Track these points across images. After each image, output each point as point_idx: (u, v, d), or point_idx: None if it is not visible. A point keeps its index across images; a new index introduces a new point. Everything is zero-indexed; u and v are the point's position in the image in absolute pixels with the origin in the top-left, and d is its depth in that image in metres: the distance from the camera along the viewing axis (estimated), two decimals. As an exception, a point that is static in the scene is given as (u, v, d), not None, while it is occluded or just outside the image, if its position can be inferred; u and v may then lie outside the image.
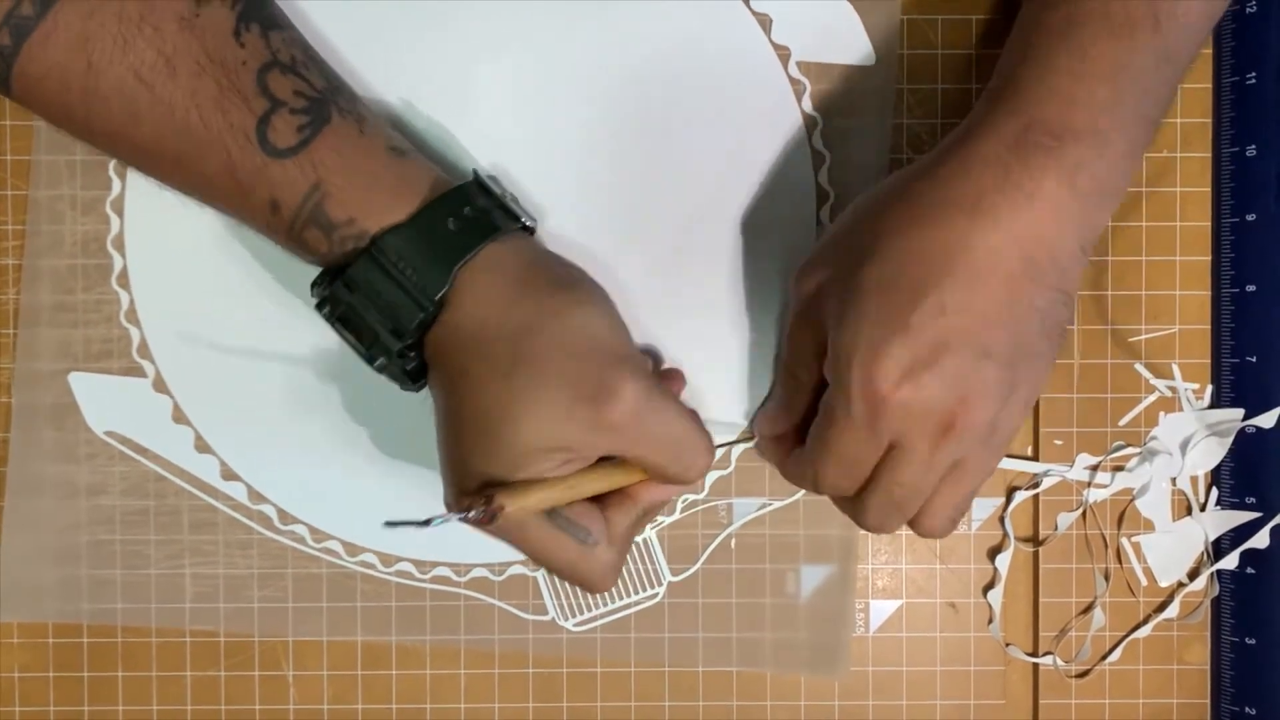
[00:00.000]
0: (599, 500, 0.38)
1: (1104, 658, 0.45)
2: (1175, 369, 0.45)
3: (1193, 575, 0.45)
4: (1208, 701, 0.45)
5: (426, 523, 0.34)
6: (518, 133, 0.43)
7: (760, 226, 0.44)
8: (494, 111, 0.43)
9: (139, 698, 0.45)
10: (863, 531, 0.45)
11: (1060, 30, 0.36)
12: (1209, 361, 0.45)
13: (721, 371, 0.44)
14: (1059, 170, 0.34)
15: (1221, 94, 0.45)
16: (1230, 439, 0.44)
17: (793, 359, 0.40)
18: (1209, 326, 0.45)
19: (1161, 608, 0.45)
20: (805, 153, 0.44)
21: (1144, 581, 0.45)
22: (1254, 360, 0.44)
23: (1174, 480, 0.45)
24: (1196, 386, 0.45)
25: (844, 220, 0.39)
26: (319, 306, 0.38)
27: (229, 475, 0.44)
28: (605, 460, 0.37)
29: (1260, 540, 0.44)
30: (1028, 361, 0.35)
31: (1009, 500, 0.45)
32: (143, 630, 0.45)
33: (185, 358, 0.44)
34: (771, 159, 0.44)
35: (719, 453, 0.44)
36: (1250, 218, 0.44)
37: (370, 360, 0.38)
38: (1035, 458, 0.45)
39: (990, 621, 0.45)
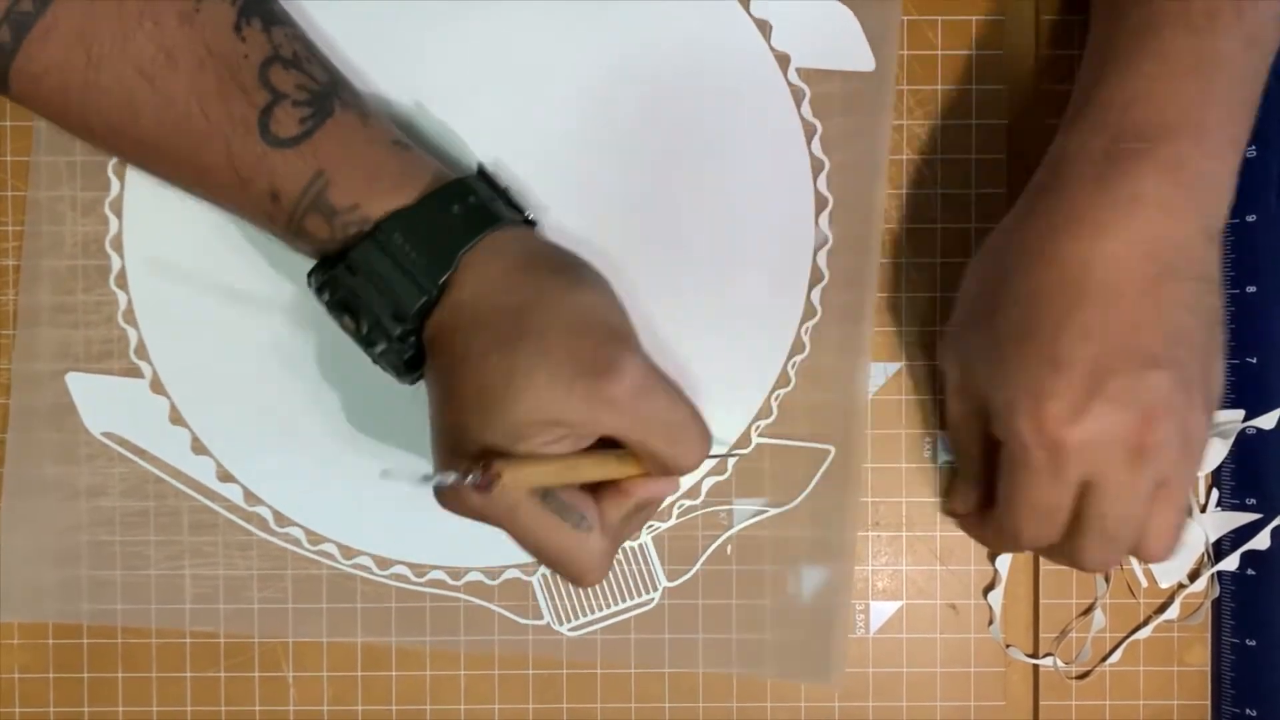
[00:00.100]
0: (592, 492, 0.37)
1: (1104, 659, 0.45)
2: (1176, 370, 0.45)
3: (1193, 577, 0.45)
4: (1208, 703, 0.45)
5: (426, 480, 0.34)
6: (517, 135, 0.43)
7: (758, 233, 0.44)
8: (494, 115, 0.43)
9: (139, 698, 0.45)
10: (862, 532, 0.45)
11: (1137, 35, 0.35)
12: (1210, 362, 0.45)
13: (718, 380, 0.44)
14: (1157, 170, 0.34)
15: (1222, 94, 0.44)
16: (1231, 440, 0.44)
17: (963, 435, 0.39)
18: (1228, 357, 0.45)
19: (1162, 609, 0.45)
20: (804, 159, 0.44)
21: (1144, 583, 0.45)
22: (1254, 361, 0.44)
23: (1174, 481, 0.45)
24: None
25: (966, 286, 0.38)
26: (319, 292, 0.38)
27: (225, 477, 0.44)
28: (603, 447, 0.36)
29: (1261, 542, 0.44)
30: (1195, 357, 0.34)
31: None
32: (143, 631, 0.45)
33: (182, 359, 0.44)
34: (770, 165, 0.44)
35: (712, 463, 0.44)
36: (1250, 219, 0.43)
37: (369, 345, 0.37)
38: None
39: (991, 623, 0.45)
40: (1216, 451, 0.44)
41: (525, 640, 0.45)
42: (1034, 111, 0.44)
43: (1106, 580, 0.45)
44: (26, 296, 0.44)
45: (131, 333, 0.44)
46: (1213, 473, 0.45)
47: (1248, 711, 0.44)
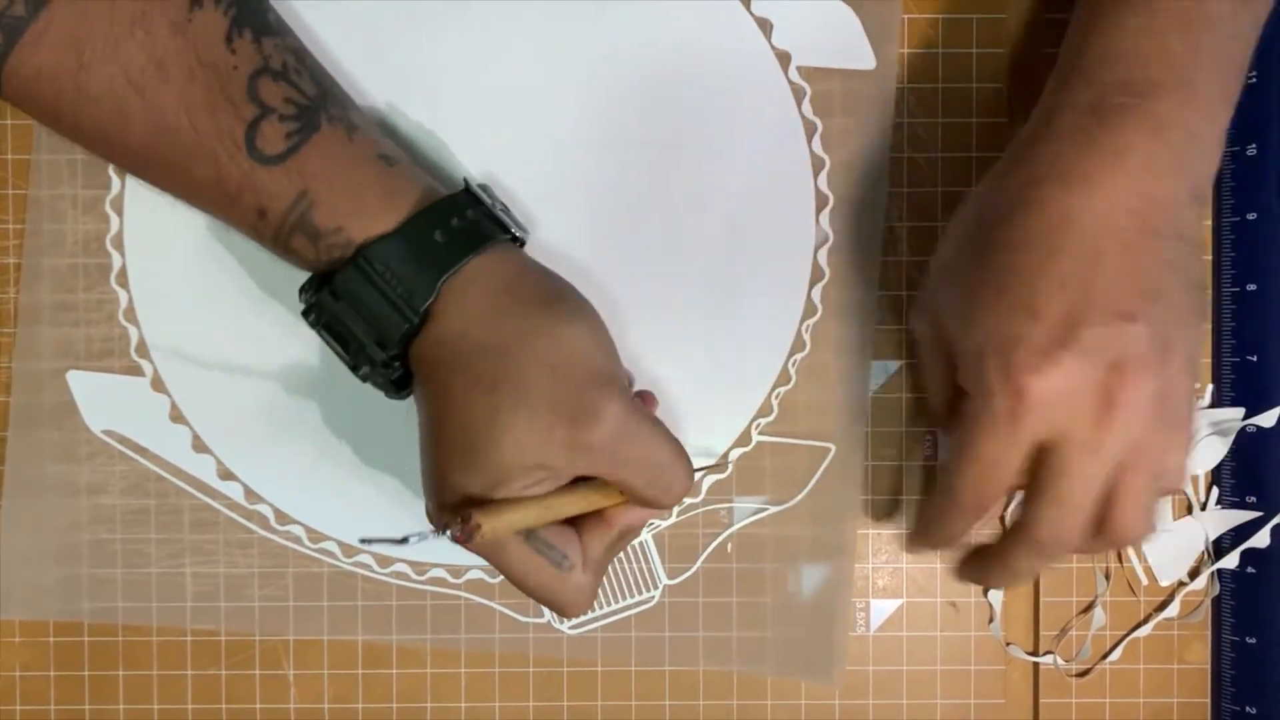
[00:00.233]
0: (575, 523, 0.37)
1: (1104, 657, 0.45)
2: (1176, 368, 0.45)
3: (1193, 574, 0.45)
4: (1208, 701, 0.45)
5: (404, 541, 0.33)
6: (514, 139, 0.43)
7: (759, 231, 0.44)
8: (490, 118, 0.43)
9: (140, 696, 0.45)
10: (862, 530, 0.45)
11: None
12: (1209, 360, 0.45)
13: (718, 378, 0.44)
14: (1144, 125, 0.33)
15: (1222, 92, 0.44)
16: (1231, 438, 0.44)
17: (934, 395, 0.39)
18: (1209, 325, 0.45)
19: (1162, 607, 0.45)
20: (805, 157, 0.44)
21: (1144, 581, 0.45)
22: (1254, 359, 0.44)
23: (1175, 479, 0.45)
24: (1197, 386, 0.45)
25: (943, 245, 0.38)
26: (305, 314, 0.38)
27: (226, 475, 0.44)
28: (583, 480, 0.37)
29: (1261, 539, 0.44)
30: (1174, 317, 0.33)
31: (1009, 499, 0.45)
32: (144, 629, 0.45)
33: (183, 357, 0.44)
34: (771, 164, 0.44)
35: (698, 475, 0.44)
36: (1251, 217, 0.43)
37: (355, 369, 0.38)
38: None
39: (991, 621, 0.45)
40: (1216, 449, 0.45)
41: (526, 638, 0.45)
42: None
43: (1107, 578, 0.45)
44: (27, 295, 0.44)
45: (132, 331, 0.44)
46: (1213, 470, 0.45)
47: (1248, 709, 0.44)
